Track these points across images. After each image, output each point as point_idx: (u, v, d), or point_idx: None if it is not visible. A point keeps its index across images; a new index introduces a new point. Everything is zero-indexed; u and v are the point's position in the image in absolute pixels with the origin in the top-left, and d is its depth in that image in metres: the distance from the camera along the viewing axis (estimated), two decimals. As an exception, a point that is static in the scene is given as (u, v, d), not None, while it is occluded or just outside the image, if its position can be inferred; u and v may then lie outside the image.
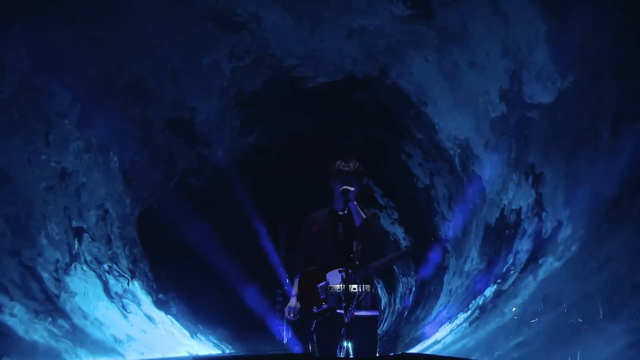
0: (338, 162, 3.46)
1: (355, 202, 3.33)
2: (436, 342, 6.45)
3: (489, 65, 5.56)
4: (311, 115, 8.33)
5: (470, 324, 5.87)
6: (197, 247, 7.80)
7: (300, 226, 3.68)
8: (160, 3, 5.52)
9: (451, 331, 6.30)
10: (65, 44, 4.92)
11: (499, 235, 6.15)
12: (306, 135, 8.81)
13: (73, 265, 5.45)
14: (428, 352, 6.30)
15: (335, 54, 6.83)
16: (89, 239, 5.80)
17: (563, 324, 4.01)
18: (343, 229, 3.31)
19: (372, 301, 3.32)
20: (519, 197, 5.71)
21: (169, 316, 7.06)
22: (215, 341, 7.93)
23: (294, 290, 3.55)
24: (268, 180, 9.90)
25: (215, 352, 7.56)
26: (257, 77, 7.27)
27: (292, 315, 3.48)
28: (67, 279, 5.29)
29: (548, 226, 5.05)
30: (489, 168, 6.26)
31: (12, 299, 4.44)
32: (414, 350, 6.98)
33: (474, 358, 4.61)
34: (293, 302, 3.51)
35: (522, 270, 5.27)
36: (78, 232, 5.65)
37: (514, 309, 5.00)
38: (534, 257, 5.11)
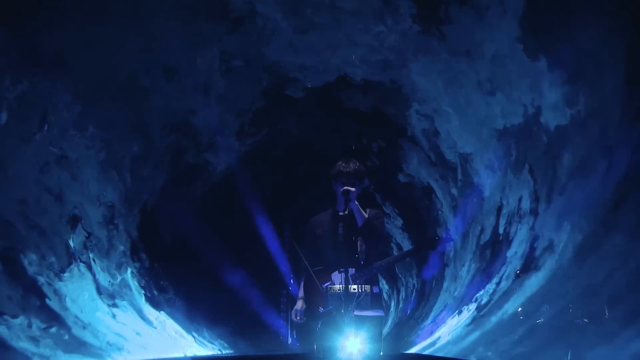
0: (339, 163, 3.49)
1: (356, 203, 3.37)
2: (437, 340, 6.50)
3: (493, 79, 5.68)
4: (313, 118, 8.36)
5: (470, 322, 5.92)
6: (198, 247, 7.80)
7: (304, 229, 3.72)
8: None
9: (455, 328, 6.35)
10: (61, 43, 4.91)
11: (497, 240, 6.25)
12: (308, 139, 8.83)
13: (68, 265, 5.40)
14: (428, 351, 6.35)
15: (340, 58, 6.89)
16: (84, 239, 5.76)
17: (563, 323, 4.08)
18: (344, 229, 3.37)
19: (374, 301, 3.34)
20: (517, 202, 5.81)
21: (169, 316, 7.06)
22: (217, 341, 7.94)
23: (300, 292, 3.59)
24: (271, 180, 9.89)
25: (217, 352, 7.59)
26: (257, 78, 7.31)
27: (298, 318, 3.51)
28: (60, 280, 5.23)
29: (545, 231, 5.14)
30: (488, 176, 6.42)
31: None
32: (414, 349, 7.03)
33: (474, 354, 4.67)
34: (299, 304, 3.54)
35: (521, 272, 5.34)
36: (73, 232, 5.60)
37: (519, 309, 5.06)
38: (531, 261, 5.20)
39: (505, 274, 5.77)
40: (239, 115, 7.89)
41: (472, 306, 6.24)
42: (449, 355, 5.50)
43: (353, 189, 3.35)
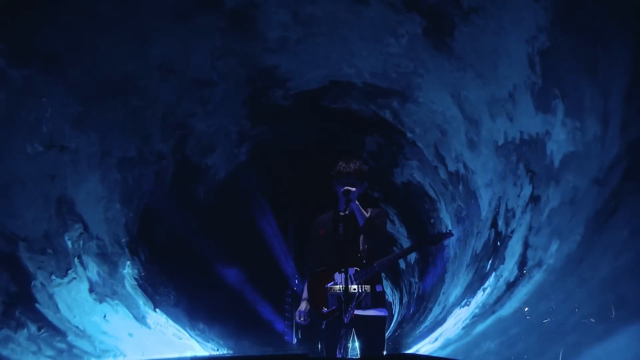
0: (339, 164, 3.52)
1: (357, 202, 3.41)
2: (437, 340, 6.54)
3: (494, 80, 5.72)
4: (321, 122, 8.41)
5: (470, 322, 5.95)
6: (198, 248, 7.80)
7: (308, 230, 3.75)
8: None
9: (455, 328, 6.40)
10: (56, 45, 4.93)
11: (496, 242, 6.34)
12: (313, 144, 8.88)
13: (64, 266, 5.35)
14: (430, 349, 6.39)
15: (350, 64, 6.94)
16: (82, 239, 5.73)
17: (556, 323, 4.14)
18: (344, 229, 3.40)
19: (376, 301, 3.35)
20: (515, 206, 5.90)
21: (169, 317, 7.04)
22: (219, 341, 7.95)
23: (304, 294, 3.62)
24: (277, 179, 9.90)
25: (218, 352, 7.59)
26: (260, 78, 7.32)
27: (302, 319, 3.54)
28: (56, 282, 5.16)
29: (543, 234, 5.21)
30: (487, 182, 6.53)
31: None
32: (414, 349, 7.06)
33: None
34: (303, 305, 3.57)
35: (519, 275, 5.42)
36: (70, 233, 5.56)
37: (527, 309, 5.11)
38: (528, 264, 5.28)
39: (503, 276, 5.82)
40: (240, 115, 7.92)
41: (472, 306, 6.28)
42: (449, 356, 5.53)
43: (353, 189, 3.38)
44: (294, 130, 8.64)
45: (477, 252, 6.84)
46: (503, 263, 5.88)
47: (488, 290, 6.03)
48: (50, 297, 5.05)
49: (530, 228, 5.39)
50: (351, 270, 3.32)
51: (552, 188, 5.01)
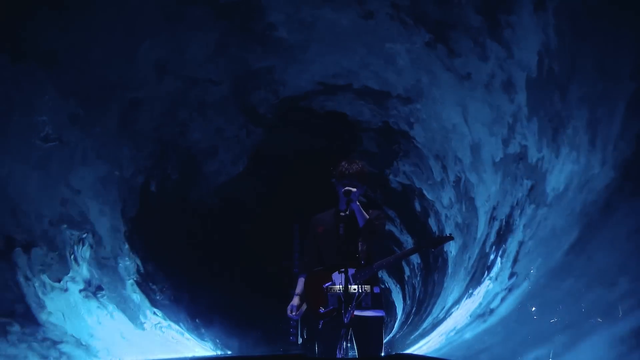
0: (342, 164, 3.52)
1: (358, 203, 3.41)
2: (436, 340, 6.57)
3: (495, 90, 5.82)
4: (325, 129, 8.46)
5: (470, 323, 5.98)
6: (199, 248, 7.80)
7: (307, 227, 3.75)
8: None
9: (454, 328, 6.42)
10: (55, 47, 4.95)
11: (494, 244, 6.41)
12: (317, 146, 8.90)
13: (62, 267, 5.35)
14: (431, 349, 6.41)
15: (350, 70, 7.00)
16: (80, 241, 5.74)
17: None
18: (344, 229, 3.39)
19: (375, 301, 3.35)
20: (512, 210, 5.97)
21: (169, 318, 7.05)
22: (222, 341, 7.94)
23: (297, 289, 3.63)
24: (282, 179, 9.90)
25: (220, 352, 7.59)
26: (260, 79, 7.34)
27: (293, 313, 3.56)
28: (53, 284, 5.14)
29: (540, 237, 5.28)
30: (485, 187, 6.66)
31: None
32: (414, 349, 7.07)
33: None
34: (295, 300, 3.59)
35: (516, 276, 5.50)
36: (65, 231, 5.56)
37: (533, 309, 5.18)
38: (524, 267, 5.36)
39: (501, 278, 5.87)
40: (240, 116, 7.92)
41: (472, 307, 6.31)
42: (449, 356, 5.54)
43: (354, 190, 3.37)
44: (294, 131, 8.64)
45: (474, 259, 6.93)
46: (496, 271, 5.99)
47: (482, 295, 6.10)
48: (46, 299, 5.03)
49: (521, 243, 5.51)
50: (350, 271, 3.32)
51: (546, 208, 5.18)
